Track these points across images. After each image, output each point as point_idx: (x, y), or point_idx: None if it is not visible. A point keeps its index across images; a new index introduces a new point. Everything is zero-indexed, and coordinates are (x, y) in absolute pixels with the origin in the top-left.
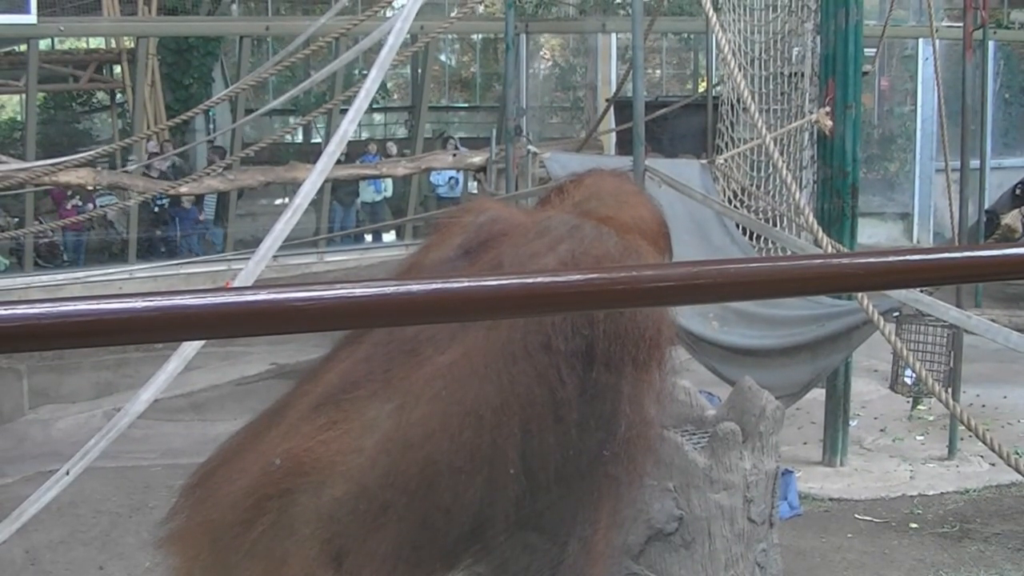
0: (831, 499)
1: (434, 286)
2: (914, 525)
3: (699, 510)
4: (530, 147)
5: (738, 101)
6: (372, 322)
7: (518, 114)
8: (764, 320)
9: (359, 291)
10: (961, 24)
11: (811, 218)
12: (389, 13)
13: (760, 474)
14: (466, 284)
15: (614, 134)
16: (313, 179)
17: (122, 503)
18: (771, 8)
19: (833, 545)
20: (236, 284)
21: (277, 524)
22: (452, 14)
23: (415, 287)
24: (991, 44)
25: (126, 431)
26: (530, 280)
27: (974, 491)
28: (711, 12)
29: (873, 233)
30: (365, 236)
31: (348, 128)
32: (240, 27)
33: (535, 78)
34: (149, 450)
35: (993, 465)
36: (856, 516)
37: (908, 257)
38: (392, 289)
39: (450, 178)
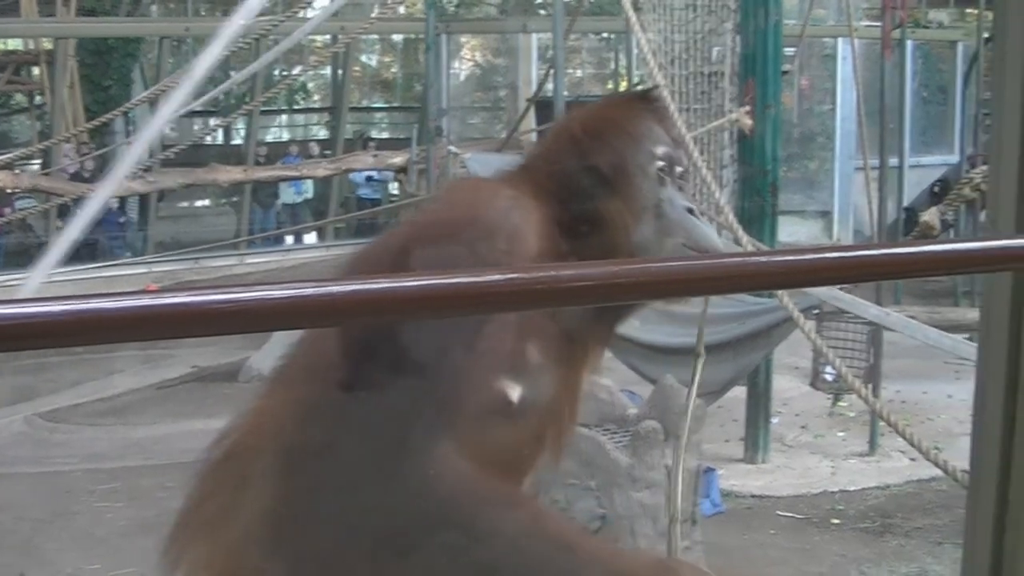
0: (753, 496)
1: (353, 287)
2: (836, 521)
3: (622, 509)
4: (451, 147)
5: None
6: (292, 323)
7: (439, 114)
8: (685, 318)
9: (278, 293)
10: (880, 24)
11: (731, 217)
12: (310, 14)
13: (682, 472)
14: (385, 284)
15: (535, 134)
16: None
17: (44, 509)
18: (691, 8)
19: (756, 542)
20: (21, 295)
21: (224, 499)
22: (373, 14)
23: (335, 288)
24: (909, 44)
25: (48, 436)
26: (452, 280)
27: (895, 486)
28: (631, 12)
29: (793, 231)
30: (286, 238)
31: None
32: (159, 28)
33: (456, 78)
34: (70, 455)
35: (913, 460)
36: (778, 513)
37: (828, 255)
38: (311, 291)
39: (368, 178)
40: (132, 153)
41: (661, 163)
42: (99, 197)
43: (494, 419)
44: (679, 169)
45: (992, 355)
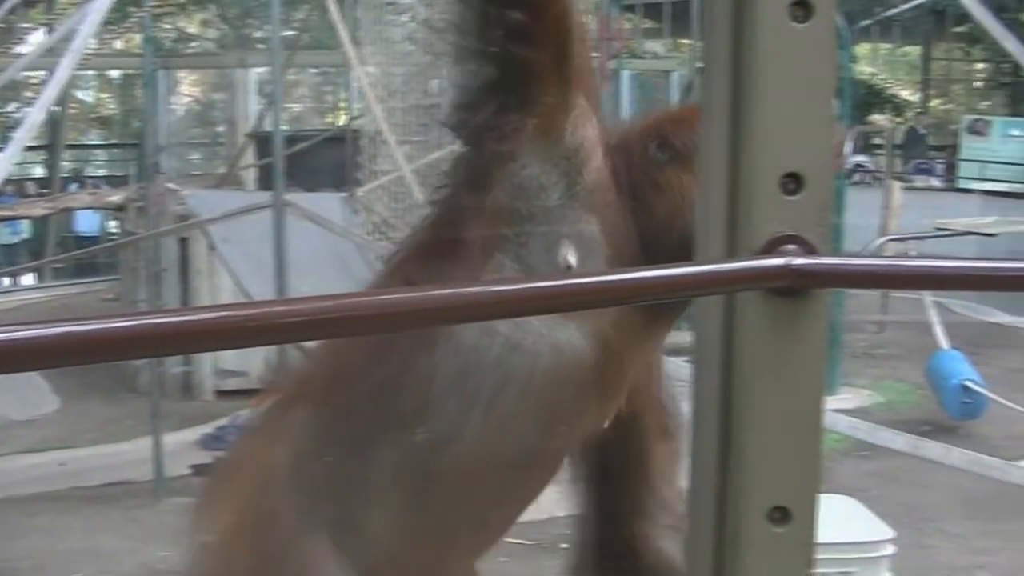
0: None
1: (61, 329)
2: (565, 545)
3: None
4: (169, 184)
5: (378, 134)
6: None
7: (157, 151)
8: None
9: None
10: (597, 54)
11: None
12: (24, 49)
13: None
14: (93, 327)
15: (255, 169)
16: None
17: None
18: (410, 41)
19: (486, 569)
20: None
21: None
22: (89, 50)
23: (38, 331)
24: (626, 73)
25: None
26: (158, 320)
27: None
28: (349, 46)
29: None
30: (3, 279)
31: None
32: None
33: (175, 114)
34: None
35: None
36: (508, 539)
37: (558, 282)
38: (19, 334)
39: None
40: None
41: None
42: None
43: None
44: None
45: (706, 378)
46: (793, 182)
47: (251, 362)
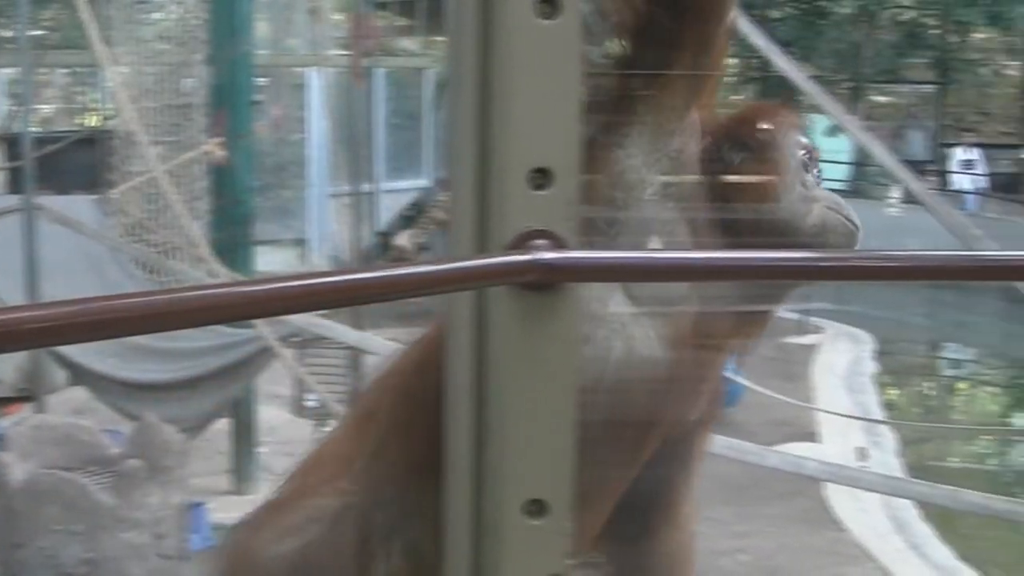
0: None
1: None
2: None
3: (109, 551)
4: None
5: (131, 134)
6: None
7: None
8: (163, 353)
9: None
10: (351, 53)
11: (205, 249)
12: None
13: (169, 509)
14: None
15: (4, 172)
16: None
17: None
18: (163, 39)
19: None
20: None
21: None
22: None
23: None
24: (380, 72)
25: None
26: None
27: None
28: (100, 46)
29: (271, 260)
30: None
31: None
32: None
33: None
34: None
35: None
36: None
37: (303, 282)
38: None
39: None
40: None
41: (804, 152)
42: None
43: None
44: (815, 171)
45: (458, 372)
46: (541, 177)
47: (2, 370)
